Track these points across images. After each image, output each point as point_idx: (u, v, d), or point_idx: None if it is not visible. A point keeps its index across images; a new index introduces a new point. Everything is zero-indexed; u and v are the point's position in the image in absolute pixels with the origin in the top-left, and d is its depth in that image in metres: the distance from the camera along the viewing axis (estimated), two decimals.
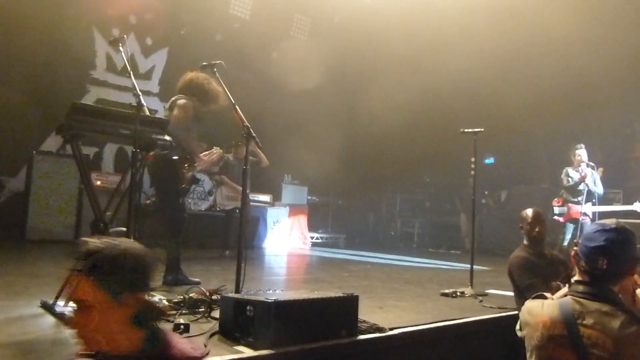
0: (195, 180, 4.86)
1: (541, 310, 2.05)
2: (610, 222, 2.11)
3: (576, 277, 2.11)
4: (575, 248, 2.15)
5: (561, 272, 3.72)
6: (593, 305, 1.96)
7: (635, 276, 2.17)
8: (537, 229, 3.85)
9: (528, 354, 2.05)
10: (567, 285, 3.50)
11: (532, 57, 10.40)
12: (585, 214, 7.28)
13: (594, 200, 7.26)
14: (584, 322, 1.91)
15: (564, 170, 7.50)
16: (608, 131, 10.82)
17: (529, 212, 3.98)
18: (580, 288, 2.04)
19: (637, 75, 9.53)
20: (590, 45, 9.38)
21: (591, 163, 7.35)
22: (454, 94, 11.17)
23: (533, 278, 3.49)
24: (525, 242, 3.87)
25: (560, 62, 9.70)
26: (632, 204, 7.44)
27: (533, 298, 2.21)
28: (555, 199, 7.44)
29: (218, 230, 8.62)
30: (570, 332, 1.91)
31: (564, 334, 1.92)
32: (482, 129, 5.63)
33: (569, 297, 2.05)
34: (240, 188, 4.51)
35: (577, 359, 1.88)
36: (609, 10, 9.17)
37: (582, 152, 7.44)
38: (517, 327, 2.22)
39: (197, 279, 4.65)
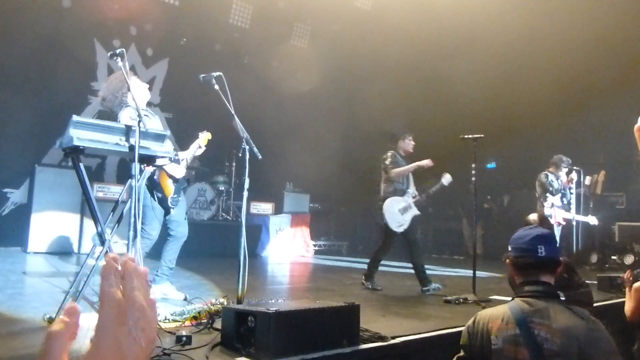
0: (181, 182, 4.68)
1: (492, 315, 2.17)
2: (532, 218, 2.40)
3: (520, 280, 2.26)
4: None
5: (566, 279, 3.69)
6: (539, 303, 2.11)
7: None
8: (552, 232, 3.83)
9: None
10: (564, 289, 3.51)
11: (533, 60, 10.41)
12: (564, 219, 7.36)
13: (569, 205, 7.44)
14: (534, 319, 2.05)
15: (545, 175, 7.50)
16: (610, 134, 10.80)
17: (535, 216, 3.96)
18: (526, 288, 2.19)
19: (639, 77, 9.53)
20: (592, 48, 9.39)
21: (576, 168, 7.40)
22: (455, 99, 11.19)
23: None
24: None
25: (562, 64, 9.71)
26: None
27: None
28: (545, 203, 7.45)
29: (220, 240, 8.64)
30: (522, 331, 2.03)
31: (517, 333, 2.04)
32: (482, 135, 5.64)
33: (517, 299, 2.17)
34: None
35: (531, 355, 1.98)
36: (611, 12, 9.18)
37: (568, 171, 7.54)
38: (463, 340, 2.28)
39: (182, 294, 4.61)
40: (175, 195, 4.46)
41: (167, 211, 4.48)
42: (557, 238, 7.28)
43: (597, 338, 1.98)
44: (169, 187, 4.44)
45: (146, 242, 4.28)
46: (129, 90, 3.70)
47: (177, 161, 4.55)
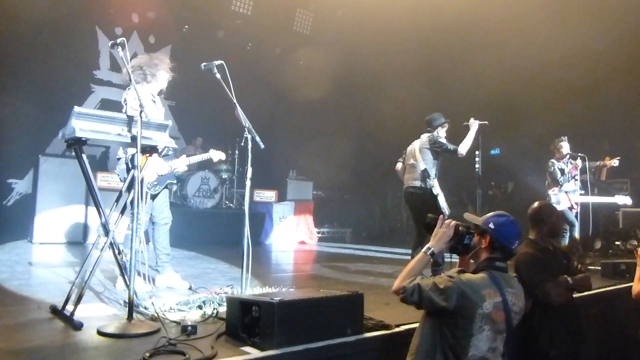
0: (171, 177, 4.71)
1: (480, 284, 2.58)
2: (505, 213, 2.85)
3: (488, 255, 2.73)
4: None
5: (565, 265, 3.69)
6: (507, 276, 2.73)
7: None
8: (560, 223, 3.82)
9: (466, 321, 2.52)
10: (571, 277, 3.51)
11: (537, 47, 10.30)
12: (576, 204, 7.28)
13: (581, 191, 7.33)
14: (507, 289, 2.63)
15: (551, 163, 7.43)
16: (615, 120, 10.72)
17: (548, 205, 3.92)
18: (498, 264, 2.71)
19: None
20: (597, 35, 9.28)
21: (580, 154, 7.32)
22: (459, 81, 11.10)
23: (542, 275, 3.44)
24: (531, 236, 3.78)
25: (567, 51, 9.60)
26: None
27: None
28: (552, 188, 7.38)
29: (224, 228, 8.66)
30: (503, 298, 2.59)
31: (499, 300, 2.58)
32: (487, 122, 5.61)
33: (492, 271, 2.66)
34: None
35: (506, 317, 2.58)
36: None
37: (565, 145, 7.42)
38: (442, 297, 2.52)
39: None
40: (156, 183, 4.47)
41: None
42: (577, 222, 7.23)
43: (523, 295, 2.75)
44: (149, 174, 4.42)
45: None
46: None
47: (169, 157, 4.58)
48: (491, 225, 2.75)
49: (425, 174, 5.58)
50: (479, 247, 2.76)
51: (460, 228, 2.77)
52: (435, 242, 2.74)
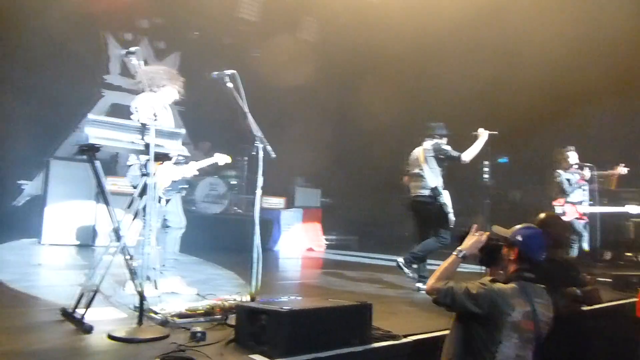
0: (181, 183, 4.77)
1: (509, 294, 2.66)
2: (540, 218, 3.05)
3: (517, 266, 2.80)
4: None
5: (573, 277, 3.68)
6: (535, 287, 2.77)
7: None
8: (566, 233, 3.82)
9: (495, 328, 2.61)
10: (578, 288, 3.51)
11: (545, 54, 10.28)
12: (584, 214, 7.24)
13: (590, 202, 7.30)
14: (536, 299, 2.71)
15: (558, 173, 7.39)
16: (624, 130, 10.66)
17: (553, 216, 3.93)
18: (527, 275, 2.77)
19: None
20: (606, 43, 9.26)
21: (588, 164, 7.28)
22: (467, 94, 11.10)
23: (549, 286, 3.43)
24: None
25: (574, 59, 9.58)
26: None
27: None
28: (557, 199, 7.35)
29: (232, 234, 8.67)
30: (532, 308, 2.66)
31: (529, 310, 2.65)
32: (496, 132, 5.61)
33: (522, 282, 2.73)
34: None
35: (534, 327, 2.65)
36: (621, 7, 9.03)
37: (572, 154, 7.38)
38: (473, 302, 2.64)
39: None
40: (170, 188, 4.51)
41: (158, 201, 4.49)
42: (585, 233, 7.20)
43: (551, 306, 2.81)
44: (163, 180, 4.46)
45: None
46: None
47: (179, 162, 4.63)
48: (519, 238, 2.83)
49: (436, 191, 5.58)
50: (507, 259, 2.86)
51: (492, 239, 2.90)
52: (468, 246, 2.88)
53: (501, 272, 2.89)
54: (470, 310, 2.64)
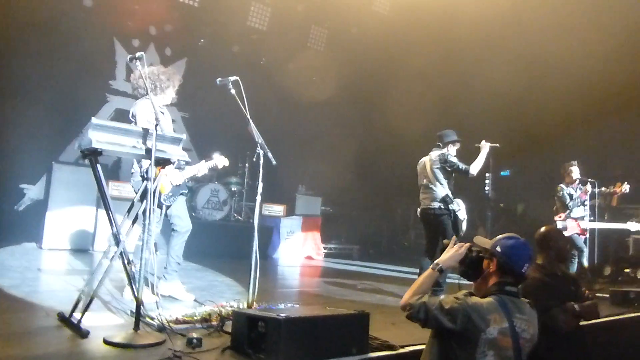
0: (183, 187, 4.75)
1: (486, 309, 2.50)
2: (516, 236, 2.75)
3: (497, 279, 2.64)
4: None
5: (573, 292, 3.66)
6: (518, 301, 2.61)
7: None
8: (568, 247, 3.80)
9: (470, 345, 2.47)
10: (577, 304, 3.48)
11: (552, 70, 10.31)
12: (585, 230, 7.23)
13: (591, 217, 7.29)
14: (516, 315, 2.54)
15: (560, 188, 7.39)
16: (629, 146, 10.65)
17: (555, 230, 3.91)
18: (508, 289, 2.62)
19: None
20: (612, 59, 9.28)
21: (590, 180, 7.28)
22: (471, 105, 11.13)
23: (550, 300, 3.40)
24: (539, 261, 3.77)
25: (580, 74, 9.60)
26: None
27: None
28: (559, 214, 7.34)
29: (232, 240, 8.67)
30: (510, 324, 2.50)
31: (506, 327, 2.49)
32: (498, 145, 5.62)
33: (501, 296, 2.57)
34: None
35: (513, 343, 2.49)
36: (633, 23, 9.06)
37: (575, 169, 7.38)
38: (447, 317, 2.50)
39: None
40: (171, 194, 4.49)
41: (159, 207, 4.48)
42: (585, 248, 7.19)
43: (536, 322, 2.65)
44: (164, 186, 4.45)
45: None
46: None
47: (180, 167, 4.62)
48: (498, 249, 2.66)
49: (447, 200, 5.56)
50: (487, 271, 2.69)
51: (472, 251, 2.73)
52: (445, 259, 2.72)
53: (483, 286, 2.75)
54: (444, 325, 2.49)
